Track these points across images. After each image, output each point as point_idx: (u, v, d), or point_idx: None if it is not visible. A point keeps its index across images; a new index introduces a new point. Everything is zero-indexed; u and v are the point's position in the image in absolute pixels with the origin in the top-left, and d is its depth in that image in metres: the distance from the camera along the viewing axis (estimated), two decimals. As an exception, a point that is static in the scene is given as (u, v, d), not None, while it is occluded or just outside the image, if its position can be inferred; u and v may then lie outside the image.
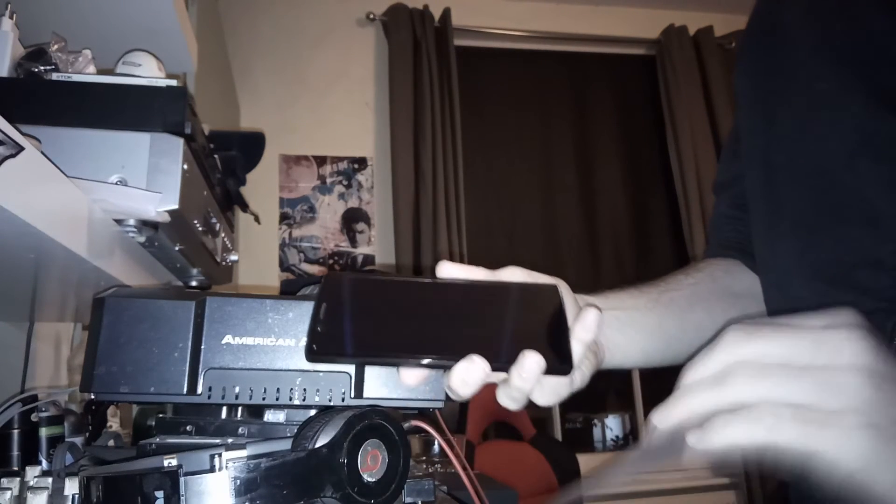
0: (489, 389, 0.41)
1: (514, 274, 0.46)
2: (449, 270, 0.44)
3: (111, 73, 0.72)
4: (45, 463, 0.74)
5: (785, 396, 0.33)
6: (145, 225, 0.62)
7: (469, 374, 0.40)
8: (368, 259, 2.56)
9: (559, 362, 0.40)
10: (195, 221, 0.71)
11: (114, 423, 0.84)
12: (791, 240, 0.60)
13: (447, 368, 0.41)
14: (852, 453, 0.32)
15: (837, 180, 0.54)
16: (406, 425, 0.44)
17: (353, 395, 0.44)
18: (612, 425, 2.95)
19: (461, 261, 2.42)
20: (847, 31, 0.55)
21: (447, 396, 0.46)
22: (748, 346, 0.35)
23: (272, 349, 0.43)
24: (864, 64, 0.53)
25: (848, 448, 0.32)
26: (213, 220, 0.82)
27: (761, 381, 0.33)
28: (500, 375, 0.41)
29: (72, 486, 0.51)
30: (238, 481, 0.36)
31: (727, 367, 0.34)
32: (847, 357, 0.33)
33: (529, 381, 0.40)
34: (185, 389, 0.41)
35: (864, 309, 0.53)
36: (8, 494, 0.55)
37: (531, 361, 0.39)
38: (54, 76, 0.65)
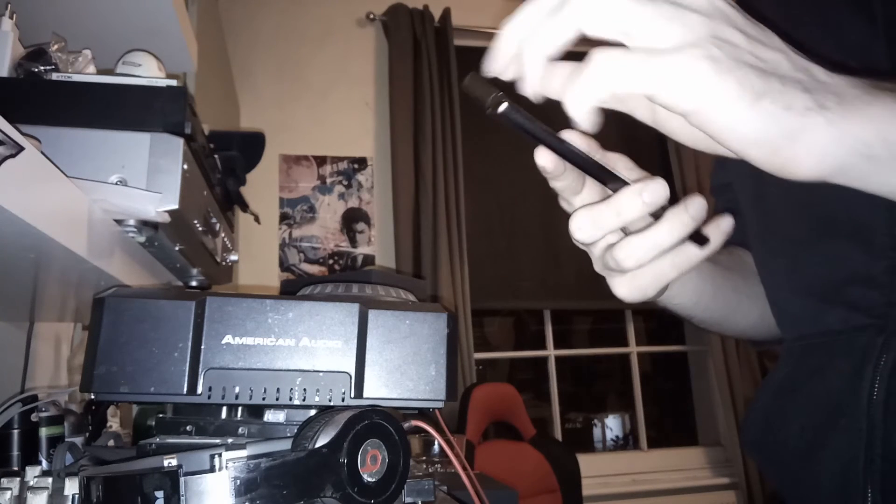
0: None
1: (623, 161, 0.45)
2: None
3: (111, 73, 0.72)
4: (45, 463, 0.74)
5: (621, 31, 0.32)
6: (145, 225, 0.62)
7: (653, 191, 0.37)
8: (368, 259, 2.56)
9: (698, 237, 0.40)
10: (195, 221, 0.71)
11: (114, 423, 0.84)
12: (782, 256, 0.61)
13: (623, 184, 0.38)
14: (691, 85, 0.31)
15: (826, 194, 0.54)
16: (406, 425, 0.44)
17: (353, 395, 0.44)
18: (612, 425, 2.95)
19: (461, 261, 2.42)
20: (824, 37, 0.55)
21: (448, 396, 0.46)
22: None
23: (272, 349, 0.43)
24: (846, 73, 0.54)
25: (686, 80, 0.31)
26: (213, 220, 0.82)
27: (598, 8, 0.32)
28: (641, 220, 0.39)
29: (72, 486, 0.51)
30: (238, 481, 0.36)
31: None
32: None
33: (697, 219, 0.38)
34: (185, 389, 0.41)
35: (855, 325, 0.53)
36: (8, 494, 0.55)
37: (700, 202, 0.38)
38: (54, 76, 0.66)
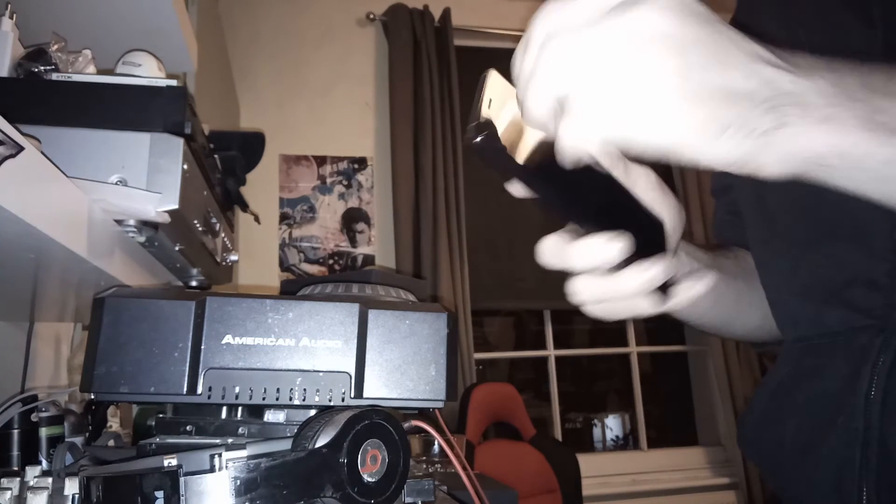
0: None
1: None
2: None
3: (111, 73, 0.72)
4: (45, 463, 0.74)
5: (592, 88, 0.32)
6: (145, 225, 0.62)
7: (604, 248, 0.39)
8: (368, 259, 2.56)
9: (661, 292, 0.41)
10: (195, 221, 0.71)
11: (114, 423, 0.84)
12: (783, 258, 0.61)
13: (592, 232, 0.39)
14: (665, 130, 0.32)
15: (827, 196, 0.54)
16: (406, 425, 0.44)
17: (353, 395, 0.44)
18: (612, 425, 2.95)
19: (461, 261, 2.41)
20: (824, 40, 0.55)
21: (448, 396, 0.46)
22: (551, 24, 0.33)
23: (272, 349, 0.43)
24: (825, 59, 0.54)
25: (661, 126, 0.32)
26: (213, 220, 0.82)
27: (570, 73, 0.33)
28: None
29: (72, 486, 0.51)
30: (238, 481, 0.36)
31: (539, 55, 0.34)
32: (643, 27, 0.32)
33: (654, 283, 0.40)
34: (185, 389, 0.41)
35: (854, 325, 0.53)
36: (8, 494, 0.55)
37: (661, 268, 0.40)
38: (54, 76, 0.65)
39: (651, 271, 0.39)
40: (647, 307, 0.43)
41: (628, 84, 0.32)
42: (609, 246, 0.38)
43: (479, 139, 0.35)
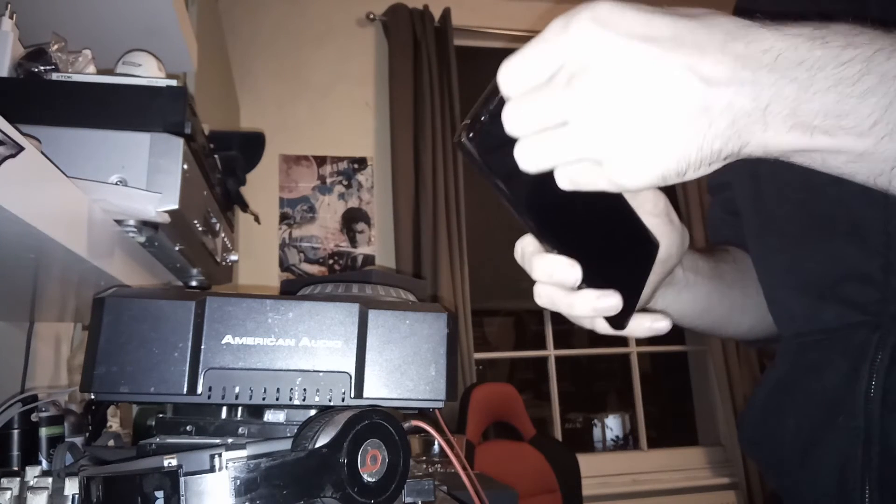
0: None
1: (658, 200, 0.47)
2: None
3: (111, 73, 0.72)
4: (45, 463, 0.74)
5: (568, 149, 0.34)
6: (145, 225, 0.62)
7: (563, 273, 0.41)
8: (368, 259, 2.56)
9: (619, 318, 0.42)
10: (195, 221, 0.71)
11: (114, 423, 0.84)
12: (780, 254, 0.61)
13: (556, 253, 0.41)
14: (633, 180, 0.34)
15: (823, 193, 0.54)
16: (406, 425, 0.44)
17: (353, 395, 0.44)
18: (612, 425, 2.95)
19: (461, 261, 2.41)
20: None
21: (448, 396, 0.46)
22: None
23: (272, 349, 0.43)
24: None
25: (629, 178, 0.34)
26: (213, 220, 0.82)
27: (546, 139, 0.34)
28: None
29: (72, 486, 0.51)
30: (238, 481, 0.36)
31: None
32: (601, 85, 0.32)
33: (598, 312, 0.42)
34: (185, 389, 0.42)
35: (850, 321, 0.53)
36: (8, 494, 0.55)
37: (612, 302, 0.41)
38: (54, 76, 0.65)
39: (602, 302, 0.40)
40: (604, 328, 0.44)
41: (596, 147, 0.33)
42: (568, 271, 0.39)
43: (463, 139, 0.35)
